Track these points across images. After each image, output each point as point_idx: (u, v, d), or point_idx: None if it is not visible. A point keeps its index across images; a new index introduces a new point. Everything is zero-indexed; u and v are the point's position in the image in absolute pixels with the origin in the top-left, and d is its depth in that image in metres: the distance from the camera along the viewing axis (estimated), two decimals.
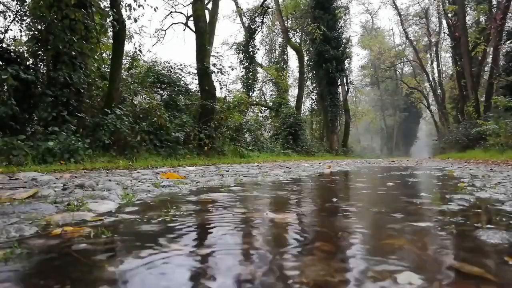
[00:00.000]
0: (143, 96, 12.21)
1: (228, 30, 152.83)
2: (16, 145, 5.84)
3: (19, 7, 8.71)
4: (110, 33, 10.45)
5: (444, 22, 31.93)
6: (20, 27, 8.82)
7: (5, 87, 7.09)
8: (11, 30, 8.56)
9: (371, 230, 1.32)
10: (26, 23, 8.73)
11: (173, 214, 1.56)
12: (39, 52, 8.06)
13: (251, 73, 28.07)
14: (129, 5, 9.55)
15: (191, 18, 18.54)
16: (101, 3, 9.11)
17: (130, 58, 13.99)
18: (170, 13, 23.41)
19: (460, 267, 0.85)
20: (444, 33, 33.61)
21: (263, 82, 30.88)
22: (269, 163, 10.17)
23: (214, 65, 13.75)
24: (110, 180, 3.15)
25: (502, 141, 13.32)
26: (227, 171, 5.39)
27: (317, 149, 24.87)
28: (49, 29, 7.55)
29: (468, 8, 24.19)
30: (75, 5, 7.53)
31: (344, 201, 2.17)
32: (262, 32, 30.93)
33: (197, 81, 13.64)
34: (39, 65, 8.21)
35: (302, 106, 29.98)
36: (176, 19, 77.68)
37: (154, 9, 11.38)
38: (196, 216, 1.54)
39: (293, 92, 33.18)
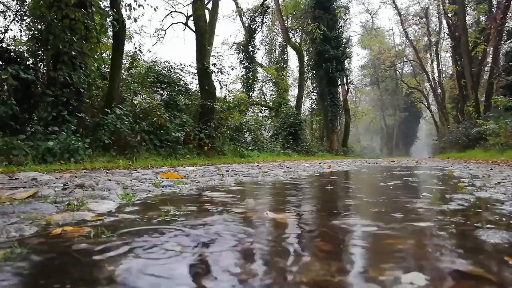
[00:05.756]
0: (143, 96, 12.20)
1: (228, 30, 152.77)
2: (16, 145, 5.84)
3: (19, 7, 8.70)
4: (110, 33, 10.45)
5: (444, 22, 31.93)
6: (20, 27, 8.83)
7: (5, 87, 7.09)
8: (11, 30, 8.57)
9: (371, 230, 1.32)
10: (26, 23, 8.73)
11: (173, 214, 1.56)
12: (39, 52, 8.06)
13: (251, 73, 28.07)
14: (129, 5, 9.55)
15: (191, 18, 18.53)
16: (101, 3, 9.10)
17: (130, 58, 13.98)
18: (170, 13, 23.39)
19: (461, 267, 0.85)
20: (444, 33, 33.63)
21: (263, 82, 30.89)
22: (269, 163, 10.17)
23: (214, 65, 13.75)
24: (110, 180, 3.15)
25: (502, 141, 13.33)
26: (227, 171, 5.39)
27: (317, 149, 24.86)
28: (49, 29, 7.54)
29: (468, 8, 24.18)
30: (75, 5, 7.52)
31: (344, 201, 2.17)
32: (262, 32, 30.98)
33: (197, 81, 13.64)
34: (39, 65, 8.20)
35: (302, 106, 30.00)
36: (176, 19, 77.55)
37: (154, 9, 11.40)
38: (196, 216, 1.54)
39: (293, 92, 33.22)
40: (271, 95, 30.04)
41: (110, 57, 10.62)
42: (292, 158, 16.73)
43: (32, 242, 1.07)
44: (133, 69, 13.47)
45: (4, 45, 7.75)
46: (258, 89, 30.18)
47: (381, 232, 1.26)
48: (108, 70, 10.32)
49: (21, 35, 8.99)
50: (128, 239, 1.12)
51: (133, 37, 15.14)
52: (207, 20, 15.13)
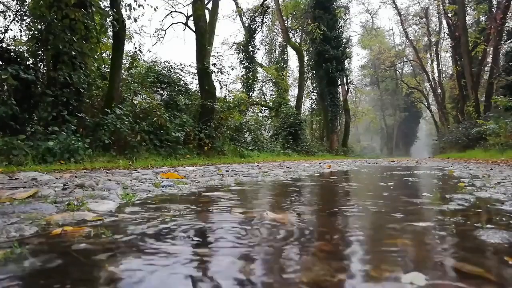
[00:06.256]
0: (143, 96, 12.20)
1: (228, 30, 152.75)
2: (16, 145, 5.84)
3: (19, 7, 8.70)
4: (110, 33, 10.45)
5: (444, 22, 31.93)
6: (20, 27, 8.82)
7: (5, 87, 7.09)
8: (11, 30, 8.57)
9: (371, 230, 1.32)
10: (26, 23, 8.72)
11: (173, 214, 1.56)
12: (39, 52, 8.05)
13: (251, 73, 28.07)
14: (129, 5, 9.54)
15: (191, 18, 18.53)
16: (101, 3, 9.10)
17: (130, 58, 13.98)
18: (170, 13, 23.38)
19: (460, 267, 0.85)
20: (444, 33, 33.63)
21: (263, 82, 30.89)
22: (269, 163, 10.17)
23: (214, 65, 13.75)
24: (110, 180, 3.15)
25: (502, 141, 13.33)
26: (227, 171, 5.39)
27: (317, 149, 24.86)
28: (49, 29, 7.54)
29: (468, 8, 24.18)
30: (75, 5, 7.52)
31: (344, 200, 2.17)
32: (262, 32, 30.99)
33: (197, 81, 13.64)
34: (39, 65, 8.20)
35: (302, 106, 30.00)
36: (176, 19, 77.63)
37: (154, 9, 11.40)
38: (196, 216, 1.54)
39: (293, 92, 33.23)
40: (271, 95, 30.06)
41: (110, 57, 10.62)
42: (292, 158, 16.73)
43: (32, 242, 1.07)
44: (133, 69, 13.47)
45: (4, 45, 7.75)
46: (258, 89, 30.22)
47: (381, 232, 1.26)
48: (108, 70, 10.32)
49: (21, 35, 9.00)
50: (128, 239, 1.12)
51: (133, 37, 15.16)
52: (207, 20, 15.13)
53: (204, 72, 12.71)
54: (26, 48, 8.26)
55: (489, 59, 23.56)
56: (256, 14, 28.85)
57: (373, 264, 0.88)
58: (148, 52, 29.91)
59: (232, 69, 16.31)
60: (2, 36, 8.01)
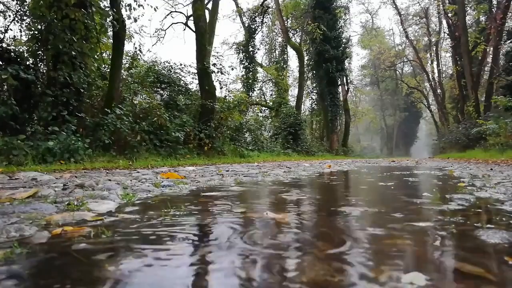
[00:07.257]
0: (143, 96, 12.20)
1: (228, 30, 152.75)
2: (16, 145, 5.84)
3: (19, 7, 8.70)
4: (110, 33, 10.45)
5: (444, 21, 31.91)
6: (20, 27, 8.82)
7: (5, 87, 7.08)
8: (11, 30, 8.56)
9: (371, 230, 1.32)
10: (26, 23, 8.72)
11: (173, 214, 1.56)
12: (39, 52, 8.05)
13: (251, 73, 28.08)
14: (129, 5, 9.55)
15: (191, 18, 18.54)
16: (101, 3, 9.10)
17: (130, 58, 13.98)
18: (170, 12, 23.40)
19: (460, 267, 0.85)
20: (444, 33, 33.62)
21: (263, 82, 30.90)
22: (269, 163, 10.17)
23: (214, 65, 13.76)
24: (110, 180, 3.15)
25: (502, 141, 13.33)
26: (227, 171, 5.39)
27: (317, 149, 24.87)
28: (49, 29, 7.54)
29: (468, 8, 24.18)
30: (75, 5, 7.52)
31: (343, 200, 2.17)
32: (262, 32, 31.02)
33: (197, 81, 13.66)
34: (39, 65, 8.20)
35: (302, 106, 30.03)
36: (176, 19, 77.77)
37: (154, 9, 11.40)
38: (196, 216, 1.54)
39: (293, 92, 33.25)
40: (271, 95, 30.08)
41: (110, 57, 10.62)
42: (292, 158, 16.73)
43: (32, 242, 1.07)
44: (133, 69, 13.47)
45: (4, 45, 7.74)
46: (258, 89, 30.23)
47: (381, 232, 1.26)
48: (108, 70, 10.32)
49: (21, 35, 9.00)
50: (128, 239, 1.12)
51: (133, 37, 15.16)
52: (207, 20, 15.14)
53: (204, 72, 12.71)
54: (26, 48, 8.26)
55: (489, 59, 23.56)
56: (256, 14, 28.86)
57: (373, 264, 0.88)
58: (148, 52, 30.03)
59: (232, 69, 16.34)
60: (2, 36, 8.01)
